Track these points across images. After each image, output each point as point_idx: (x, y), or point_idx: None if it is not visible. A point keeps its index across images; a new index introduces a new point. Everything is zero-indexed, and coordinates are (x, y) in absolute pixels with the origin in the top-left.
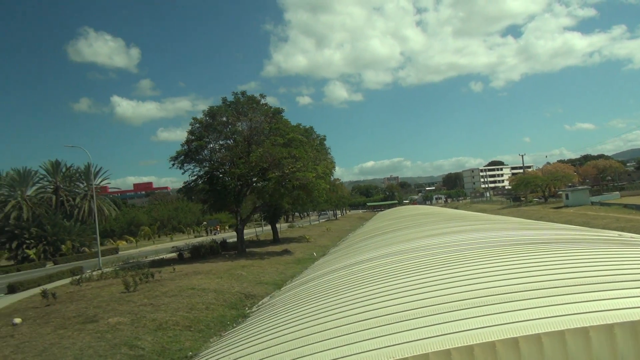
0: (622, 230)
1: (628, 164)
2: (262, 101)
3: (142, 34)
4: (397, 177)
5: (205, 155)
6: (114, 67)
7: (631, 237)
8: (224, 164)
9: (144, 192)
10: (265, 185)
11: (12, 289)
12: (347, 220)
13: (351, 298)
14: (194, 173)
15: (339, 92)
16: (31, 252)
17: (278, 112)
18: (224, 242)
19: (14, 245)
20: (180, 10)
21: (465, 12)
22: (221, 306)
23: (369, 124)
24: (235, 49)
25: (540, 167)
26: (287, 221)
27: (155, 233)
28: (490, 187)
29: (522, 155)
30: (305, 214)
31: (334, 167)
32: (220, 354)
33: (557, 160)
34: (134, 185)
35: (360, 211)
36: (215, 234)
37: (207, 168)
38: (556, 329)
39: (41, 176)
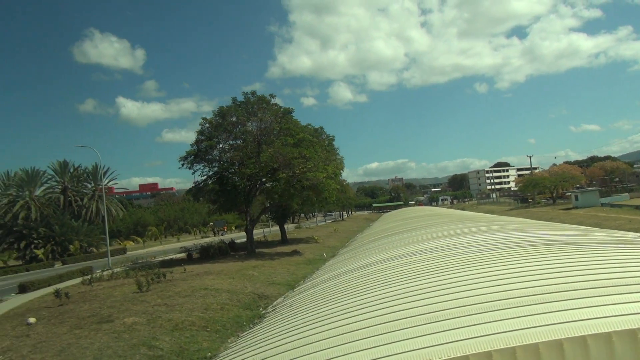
0: (637, 231)
1: (635, 166)
2: (272, 101)
3: (147, 35)
4: (402, 178)
5: (215, 156)
6: (119, 68)
7: None
8: (234, 164)
9: (149, 193)
10: (275, 186)
11: (23, 288)
12: (354, 221)
13: (378, 298)
14: (204, 173)
15: (344, 93)
16: (39, 252)
17: (288, 112)
18: (232, 243)
19: (22, 245)
20: (185, 12)
21: (470, 13)
22: (235, 306)
23: (374, 125)
24: (239, 50)
25: (547, 168)
26: (293, 222)
27: (162, 233)
28: (496, 189)
29: (530, 157)
30: (311, 215)
31: (343, 167)
32: (245, 353)
33: (564, 162)
34: (140, 186)
35: (366, 212)
36: (222, 235)
37: (216, 168)
38: (603, 331)
39: (49, 176)
